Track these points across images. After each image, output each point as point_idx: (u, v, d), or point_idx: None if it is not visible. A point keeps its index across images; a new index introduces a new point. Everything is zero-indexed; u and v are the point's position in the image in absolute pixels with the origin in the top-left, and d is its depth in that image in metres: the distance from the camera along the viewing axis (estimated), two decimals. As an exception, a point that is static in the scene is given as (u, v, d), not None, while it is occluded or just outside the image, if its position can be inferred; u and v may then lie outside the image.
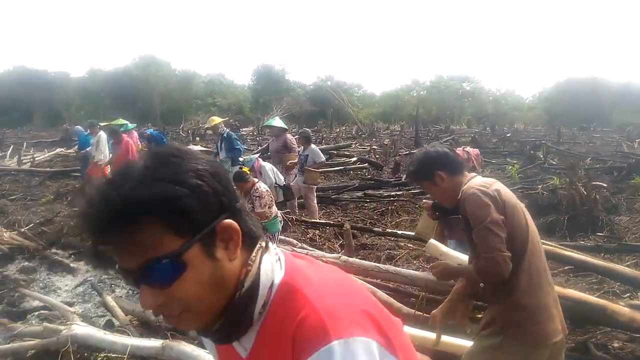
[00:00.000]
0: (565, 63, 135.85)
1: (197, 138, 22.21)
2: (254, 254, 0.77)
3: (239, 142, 8.01)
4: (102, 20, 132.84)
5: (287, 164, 7.55)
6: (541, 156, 13.95)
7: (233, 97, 49.58)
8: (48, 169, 12.94)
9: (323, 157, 7.72)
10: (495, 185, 2.10)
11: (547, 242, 4.89)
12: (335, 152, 16.48)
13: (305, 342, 0.68)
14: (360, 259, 4.84)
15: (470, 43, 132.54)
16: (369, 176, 11.90)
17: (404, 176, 10.12)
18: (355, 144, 20.98)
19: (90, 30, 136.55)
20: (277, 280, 0.77)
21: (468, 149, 6.37)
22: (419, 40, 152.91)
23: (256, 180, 5.35)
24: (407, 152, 16.80)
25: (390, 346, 0.70)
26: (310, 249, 5.17)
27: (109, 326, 3.88)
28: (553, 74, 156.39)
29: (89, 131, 10.01)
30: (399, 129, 32.26)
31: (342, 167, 13.37)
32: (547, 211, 6.97)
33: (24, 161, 14.46)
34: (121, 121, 12.27)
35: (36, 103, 41.72)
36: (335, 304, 0.71)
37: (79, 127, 13.14)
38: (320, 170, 7.40)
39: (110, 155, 9.03)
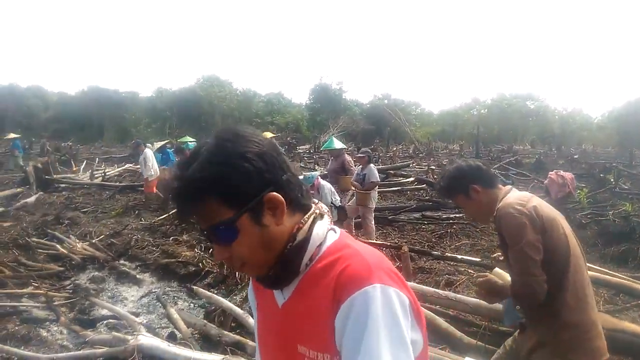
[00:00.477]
0: (637, 80, 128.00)
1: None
2: (306, 216, 0.93)
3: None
4: (169, 41, 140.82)
5: (343, 186, 7.62)
6: (612, 180, 13.23)
7: (291, 116, 50.55)
8: (118, 184, 13.63)
9: (377, 178, 7.69)
10: (532, 201, 2.02)
11: (618, 274, 4.61)
12: (392, 171, 16.35)
13: (349, 284, 0.81)
14: (417, 283, 4.74)
15: (534, 59, 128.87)
16: (426, 197, 11.67)
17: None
18: (413, 163, 20.74)
19: (159, 51, 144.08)
20: (328, 242, 0.93)
21: (562, 173, 6.12)
22: (480, 56, 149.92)
23: (316, 201, 5.41)
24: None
25: (416, 308, 0.87)
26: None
27: (171, 338, 4.00)
28: (624, 91, 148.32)
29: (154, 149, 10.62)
30: (458, 148, 31.60)
31: (398, 188, 13.23)
32: (619, 239, 6.57)
33: (95, 175, 15.37)
34: (188, 139, 12.85)
35: (107, 121, 44.48)
36: (378, 262, 0.86)
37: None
38: (365, 190, 7.36)
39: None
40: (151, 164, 10.11)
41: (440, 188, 2.32)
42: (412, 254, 6.02)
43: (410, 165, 19.58)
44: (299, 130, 45.35)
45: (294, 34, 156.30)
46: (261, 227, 0.87)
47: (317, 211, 0.97)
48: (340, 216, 6.89)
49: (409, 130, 40.02)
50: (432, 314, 3.63)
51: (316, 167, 17.08)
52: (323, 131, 36.14)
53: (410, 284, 4.37)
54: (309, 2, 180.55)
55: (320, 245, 0.92)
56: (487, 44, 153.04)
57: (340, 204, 6.92)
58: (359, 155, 7.93)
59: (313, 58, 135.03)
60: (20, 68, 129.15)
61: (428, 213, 9.49)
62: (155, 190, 10.26)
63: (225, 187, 0.84)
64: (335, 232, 0.97)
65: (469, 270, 5.70)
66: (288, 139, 33.97)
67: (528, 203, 1.99)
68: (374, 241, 6.93)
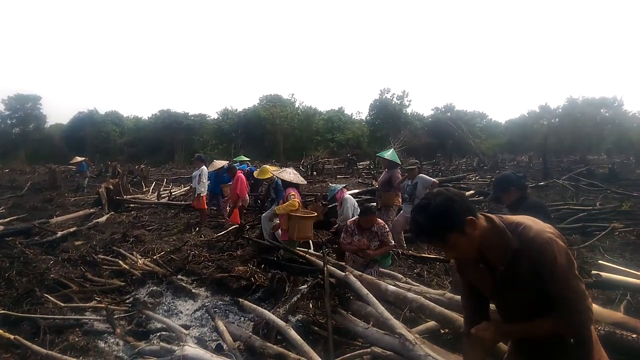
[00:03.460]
0: None
1: (315, 172, 22.89)
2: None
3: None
4: (234, 63, 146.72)
5: (384, 201, 7.52)
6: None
7: (350, 132, 50.74)
8: (182, 202, 14.24)
9: (434, 179, 7.57)
10: (551, 227, 1.77)
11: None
12: (450, 184, 15.91)
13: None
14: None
15: (607, 58, 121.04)
16: (486, 210, 11.23)
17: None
18: (475, 176, 20.09)
19: (224, 72, 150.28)
20: None
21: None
22: (548, 59, 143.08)
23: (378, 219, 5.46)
24: (534, 184, 15.63)
25: None
26: (415, 284, 5.00)
27: (218, 349, 4.08)
28: None
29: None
30: (527, 160, 30.22)
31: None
32: None
33: (162, 195, 16.19)
34: (242, 157, 13.23)
35: (177, 143, 46.78)
36: None
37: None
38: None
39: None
40: (205, 181, 10.55)
41: (424, 232, 1.80)
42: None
43: (473, 178, 18.98)
44: (359, 146, 45.41)
45: (354, 48, 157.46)
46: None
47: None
48: None
49: (473, 142, 38.78)
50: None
51: (373, 182, 16.95)
52: (384, 147, 35.90)
53: (458, 297, 4.21)
54: (369, 17, 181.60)
55: None
56: (555, 46, 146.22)
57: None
58: (408, 167, 7.81)
59: (373, 72, 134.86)
60: (100, 94, 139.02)
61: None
62: (206, 206, 10.66)
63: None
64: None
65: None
66: (348, 155, 34.11)
67: (551, 228, 1.74)
68: (426, 255, 6.78)
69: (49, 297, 5.59)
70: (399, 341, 3.56)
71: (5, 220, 11.11)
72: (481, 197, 12.63)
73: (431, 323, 3.96)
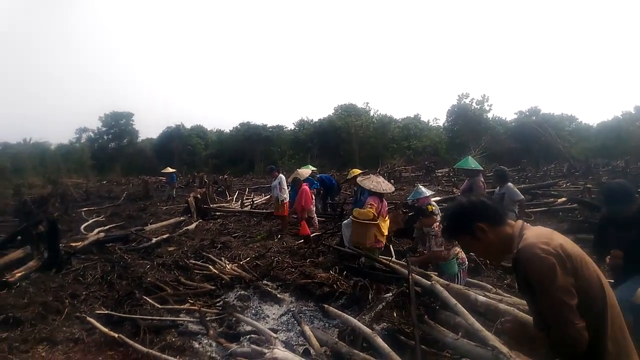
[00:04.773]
0: None
1: (392, 181, 22.64)
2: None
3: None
4: (309, 73, 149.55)
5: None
6: None
7: (428, 139, 49.69)
8: (264, 211, 14.66)
9: (521, 196, 7.14)
10: (556, 238, 1.76)
11: None
12: (539, 191, 15.07)
13: None
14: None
15: None
16: (580, 218, 10.50)
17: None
18: (567, 182, 18.88)
19: (300, 83, 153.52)
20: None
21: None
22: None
23: (438, 218, 5.31)
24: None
25: None
26: (507, 295, 4.78)
27: (306, 354, 4.15)
28: None
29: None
30: (623, 164, 27.89)
31: (546, 208, 12.12)
32: None
33: (245, 204, 16.80)
34: (310, 167, 13.48)
35: (257, 154, 48.39)
36: None
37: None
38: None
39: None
40: (285, 187, 10.88)
41: (444, 229, 2.19)
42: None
43: (563, 185, 17.86)
44: (437, 153, 44.32)
45: (431, 54, 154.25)
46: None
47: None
48: None
49: (562, 147, 36.41)
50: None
51: (454, 190, 16.48)
52: (463, 153, 34.74)
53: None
54: (444, 21, 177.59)
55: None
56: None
57: None
58: (495, 172, 7.48)
59: (450, 77, 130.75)
60: (185, 110, 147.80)
61: (582, 235, 8.50)
62: (287, 213, 10.91)
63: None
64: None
65: None
66: (426, 162, 33.41)
67: (552, 241, 1.75)
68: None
69: (147, 299, 5.99)
70: (492, 354, 3.43)
71: (105, 227, 12.07)
72: (575, 205, 11.82)
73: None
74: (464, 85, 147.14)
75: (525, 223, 1.96)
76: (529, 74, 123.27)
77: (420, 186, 7.05)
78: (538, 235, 1.81)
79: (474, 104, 50.44)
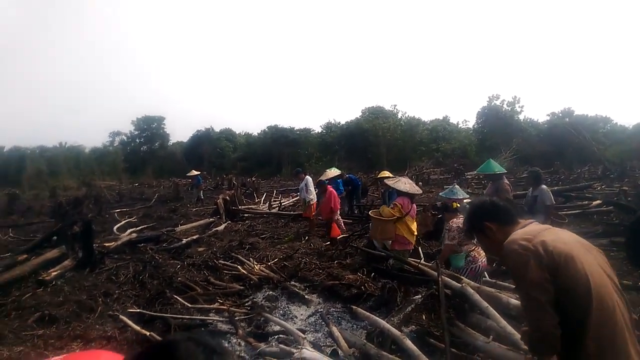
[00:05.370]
0: None
1: (420, 183, 22.41)
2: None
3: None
4: (337, 76, 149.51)
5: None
6: None
7: (457, 142, 48.94)
8: (291, 213, 14.74)
9: (552, 201, 6.95)
10: (541, 235, 1.79)
11: None
12: (573, 194, 14.66)
13: None
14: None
15: None
16: (616, 221, 10.17)
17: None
18: (601, 185, 18.33)
19: (327, 87, 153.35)
20: None
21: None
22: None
23: (460, 216, 5.45)
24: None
25: None
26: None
27: (334, 355, 4.15)
28: None
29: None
30: (660, 167, 26.86)
31: (579, 211, 11.79)
32: None
33: (273, 206, 16.91)
34: (335, 170, 13.53)
35: (284, 157, 48.63)
36: None
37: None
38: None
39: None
40: (312, 189, 10.90)
41: (465, 230, 2.42)
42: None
43: (598, 187, 17.35)
44: (466, 155, 43.57)
45: (460, 55, 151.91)
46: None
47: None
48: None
49: (596, 149, 35.26)
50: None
51: (484, 193, 16.18)
52: (493, 156, 34.06)
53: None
54: (471, 22, 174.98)
55: None
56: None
57: None
58: (530, 174, 7.30)
59: (480, 78, 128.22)
60: (214, 113, 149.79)
61: (618, 238, 8.24)
62: (313, 215, 10.92)
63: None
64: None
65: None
66: (455, 165, 32.94)
67: (535, 238, 1.80)
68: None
69: (178, 298, 6.09)
70: (524, 357, 3.35)
71: (137, 228, 12.33)
72: (610, 208, 11.45)
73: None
74: (495, 86, 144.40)
75: (533, 222, 2.03)
76: (562, 74, 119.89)
77: (457, 186, 6.97)
78: (525, 232, 1.90)
79: (504, 106, 49.36)
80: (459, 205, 5.64)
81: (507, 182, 7.45)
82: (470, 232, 2.27)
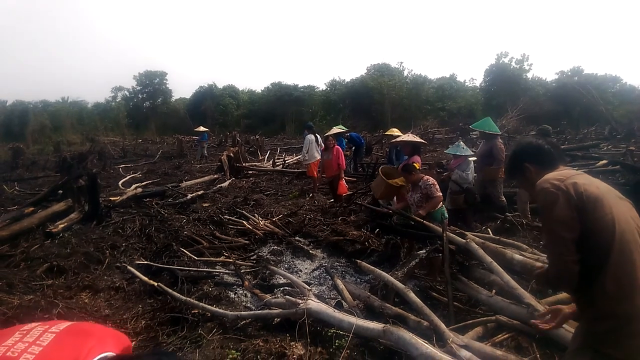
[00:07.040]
0: None
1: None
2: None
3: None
4: (341, 33, 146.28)
5: (487, 175, 7.05)
6: None
7: (463, 101, 48.27)
8: (295, 170, 14.76)
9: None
10: (574, 178, 1.80)
11: None
12: (579, 153, 14.55)
13: None
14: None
15: None
16: (622, 181, 10.11)
17: None
18: (608, 145, 18.19)
19: (332, 43, 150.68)
20: None
21: None
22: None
23: (423, 176, 5.58)
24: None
25: None
26: (543, 255, 4.69)
27: (338, 306, 4.22)
28: None
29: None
30: (669, 126, 26.50)
31: (585, 170, 11.74)
32: None
33: (277, 163, 16.91)
34: (341, 127, 13.33)
35: (288, 115, 48.18)
36: None
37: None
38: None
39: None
40: (307, 150, 10.76)
41: (506, 169, 2.38)
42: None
43: (604, 148, 17.22)
44: (472, 115, 43.05)
45: (467, 11, 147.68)
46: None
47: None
48: (468, 199, 6.53)
49: (604, 109, 34.71)
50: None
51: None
52: (500, 115, 33.57)
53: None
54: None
55: None
56: None
57: (467, 185, 6.70)
58: (539, 130, 7.20)
59: (488, 35, 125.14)
60: (217, 69, 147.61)
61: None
62: (315, 173, 10.85)
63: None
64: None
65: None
66: (460, 124, 32.62)
67: (568, 179, 1.81)
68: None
69: (185, 251, 6.17)
70: (527, 311, 3.41)
71: (142, 183, 12.40)
72: (616, 167, 11.38)
73: (562, 295, 3.69)
74: (504, 43, 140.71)
75: (570, 169, 2.01)
76: (573, 32, 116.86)
77: (462, 143, 6.90)
78: (559, 173, 1.90)
79: (513, 64, 48.29)
80: (419, 165, 5.82)
81: (501, 142, 7.32)
82: (511, 171, 2.25)
